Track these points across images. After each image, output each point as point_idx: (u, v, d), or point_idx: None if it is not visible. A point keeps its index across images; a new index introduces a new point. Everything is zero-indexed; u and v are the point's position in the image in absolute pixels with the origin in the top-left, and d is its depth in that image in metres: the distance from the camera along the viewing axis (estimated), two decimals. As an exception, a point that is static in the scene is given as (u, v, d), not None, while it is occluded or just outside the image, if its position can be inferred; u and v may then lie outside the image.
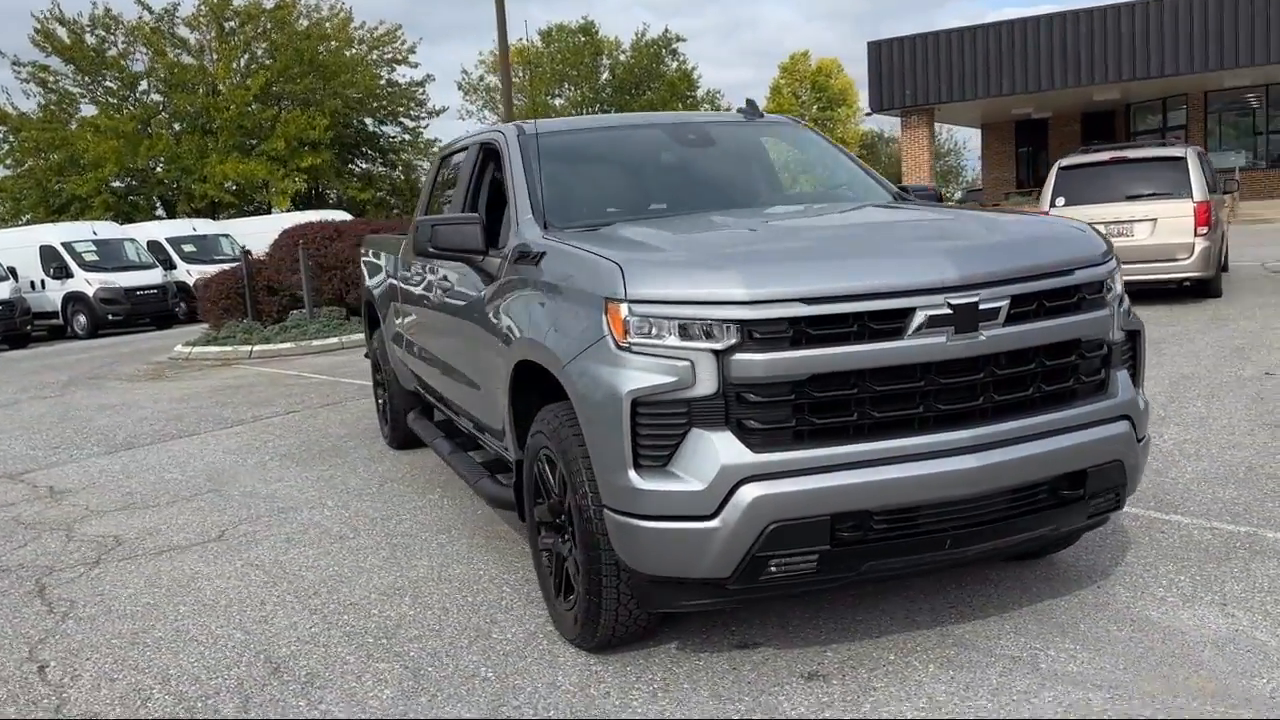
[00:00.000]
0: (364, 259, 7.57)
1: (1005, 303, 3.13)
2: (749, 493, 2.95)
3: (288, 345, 13.86)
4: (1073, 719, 2.97)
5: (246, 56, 35.54)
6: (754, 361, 2.95)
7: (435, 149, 39.69)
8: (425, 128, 40.55)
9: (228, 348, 14.09)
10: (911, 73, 27.68)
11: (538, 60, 48.76)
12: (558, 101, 48.24)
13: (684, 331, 3.01)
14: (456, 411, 5.08)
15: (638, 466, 3.05)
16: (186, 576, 4.78)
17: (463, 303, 4.54)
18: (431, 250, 4.23)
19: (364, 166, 40.22)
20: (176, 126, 36.18)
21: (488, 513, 5.41)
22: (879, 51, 28.15)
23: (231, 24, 35.32)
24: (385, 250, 6.68)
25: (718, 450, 2.97)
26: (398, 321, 6.13)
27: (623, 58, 48.87)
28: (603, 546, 3.27)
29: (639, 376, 3.03)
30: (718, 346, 2.97)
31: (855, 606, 3.82)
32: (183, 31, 36.03)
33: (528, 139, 4.60)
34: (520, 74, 49.73)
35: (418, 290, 5.44)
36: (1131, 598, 3.76)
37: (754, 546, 2.98)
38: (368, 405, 8.99)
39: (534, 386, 3.92)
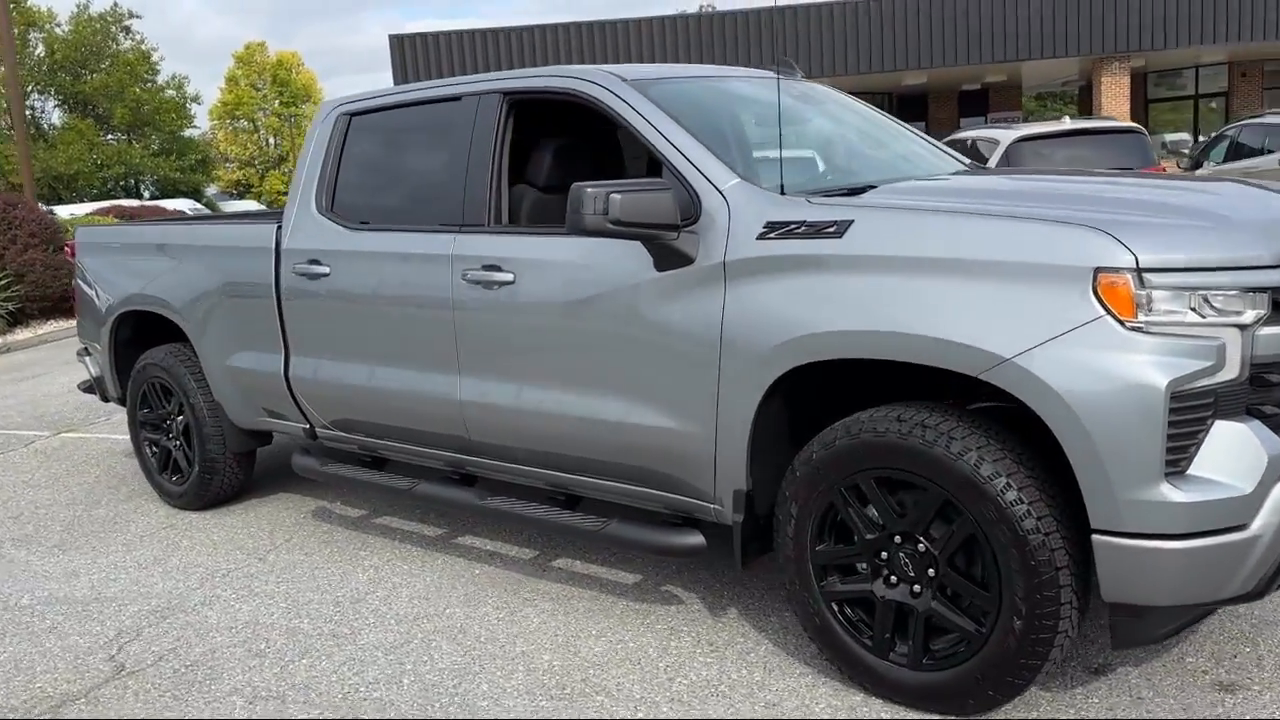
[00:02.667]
0: (114, 255, 5.51)
1: None
2: None
3: None
4: None
5: None
6: None
7: None
8: None
9: None
10: (436, 69, 27.19)
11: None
12: (-22, 80, 40.36)
13: (1205, 305, 2.51)
14: (523, 457, 3.81)
15: (1167, 474, 2.48)
16: (179, 738, 3.09)
17: (601, 300, 3.41)
18: (610, 226, 3.11)
19: None
20: None
21: (488, 569, 4.22)
22: (401, 46, 27.27)
23: None
24: (214, 238, 4.92)
25: (1258, 443, 2.52)
26: (291, 337, 4.53)
27: (60, 32, 42.19)
28: (1063, 582, 2.63)
29: (1171, 363, 2.46)
30: (1245, 320, 2.52)
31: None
32: None
33: (646, 86, 3.60)
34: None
35: (398, 291, 4.02)
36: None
37: None
38: (39, 459, 6.68)
39: (781, 398, 3.09)
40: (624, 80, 3.61)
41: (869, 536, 2.94)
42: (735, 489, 3.20)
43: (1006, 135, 11.36)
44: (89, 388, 5.97)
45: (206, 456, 5.12)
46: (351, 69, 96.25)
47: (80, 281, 5.78)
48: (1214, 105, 32.52)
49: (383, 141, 4.38)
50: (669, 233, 3.18)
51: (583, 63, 27.00)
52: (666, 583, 3.97)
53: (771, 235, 3.05)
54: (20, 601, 4.27)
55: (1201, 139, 23.03)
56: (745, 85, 4.17)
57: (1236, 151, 12.61)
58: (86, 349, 5.88)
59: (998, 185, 3.53)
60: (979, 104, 34.85)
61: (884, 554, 2.93)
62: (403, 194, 4.27)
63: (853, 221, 2.92)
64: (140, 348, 5.51)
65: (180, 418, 5.26)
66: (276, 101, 58.56)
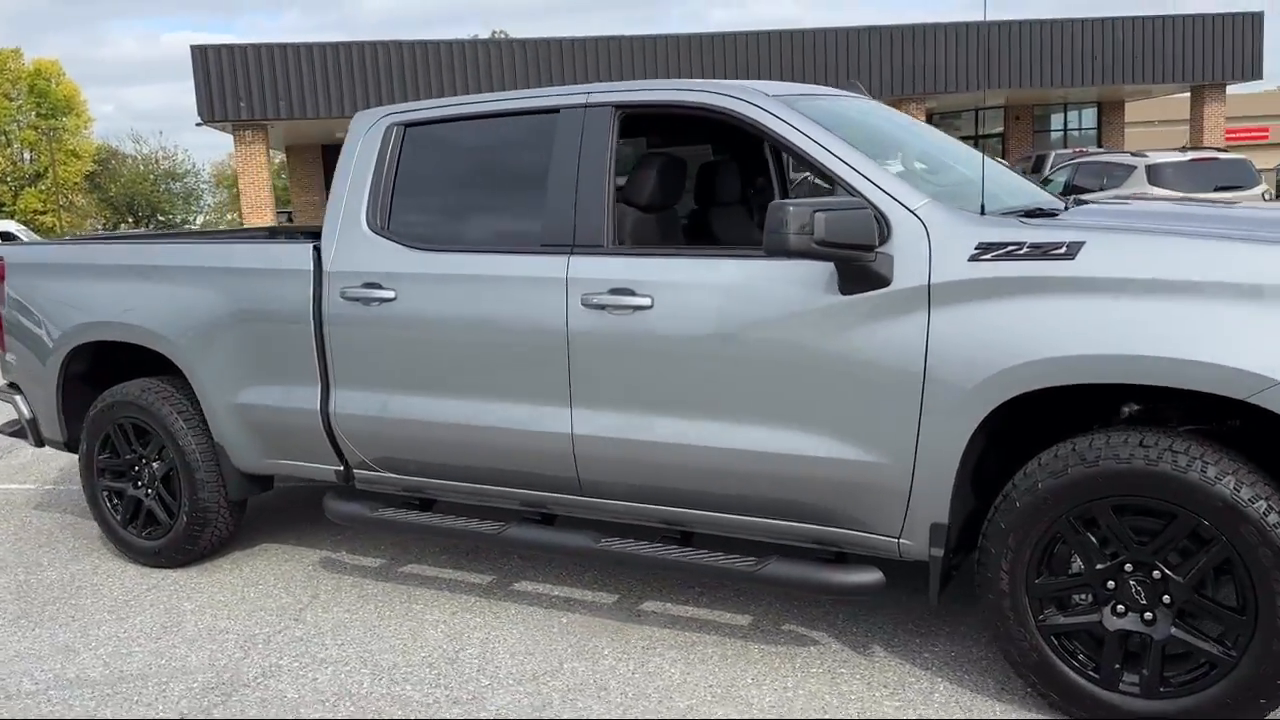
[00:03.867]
0: (68, 278, 4.77)
1: None
2: None
3: None
4: None
5: None
6: None
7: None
8: None
9: None
10: (245, 84, 25.67)
11: None
12: None
13: None
14: (643, 493, 3.54)
15: None
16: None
17: (766, 324, 3.21)
18: (815, 247, 2.93)
19: None
20: None
21: (575, 616, 3.90)
22: (205, 57, 25.55)
23: None
24: (225, 259, 4.34)
25: None
26: (336, 369, 4.04)
27: None
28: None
29: None
30: None
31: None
32: None
33: (793, 102, 3.44)
34: None
35: (493, 317, 3.65)
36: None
37: None
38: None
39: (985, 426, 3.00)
40: (771, 96, 3.45)
41: (1099, 566, 2.88)
42: (933, 522, 3.08)
43: None
44: (18, 431, 5.16)
45: (198, 506, 4.50)
46: (108, 80, 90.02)
47: (10, 309, 4.99)
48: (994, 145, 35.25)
49: (451, 156, 4.01)
50: (867, 254, 3.04)
51: (390, 82, 26.18)
52: (784, 621, 3.79)
53: (987, 256, 2.96)
54: (22, 687, 3.59)
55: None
56: (851, 104, 4.07)
57: (1070, 190, 13.63)
58: (16, 386, 5.09)
59: (1196, 211, 3.59)
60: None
61: (1112, 583, 2.89)
62: (484, 213, 3.92)
63: (1084, 243, 2.88)
64: (92, 385, 4.83)
65: (158, 463, 4.62)
66: (33, 113, 53.87)
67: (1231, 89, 32.02)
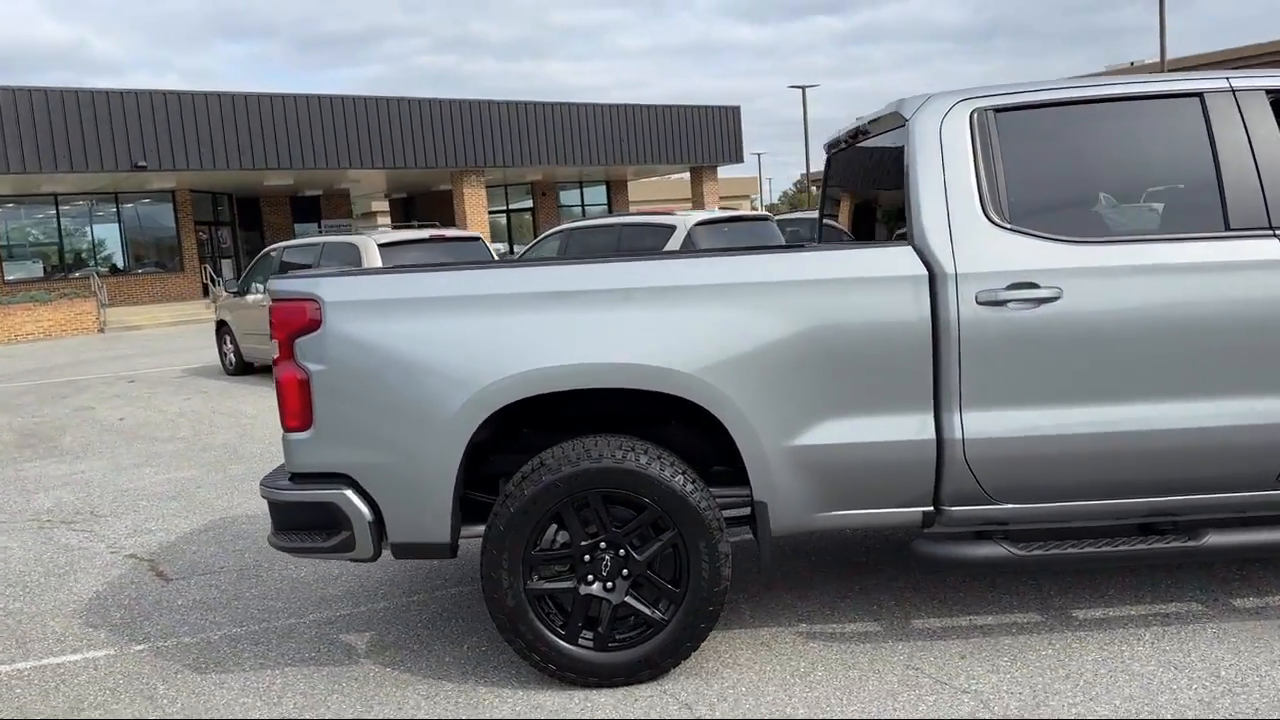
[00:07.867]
0: (470, 315, 3.43)
1: None
2: None
3: None
4: None
5: None
6: None
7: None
8: None
9: None
10: None
11: None
12: None
13: None
14: None
15: None
16: None
17: None
18: None
19: None
20: None
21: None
22: None
23: None
24: (773, 272, 3.44)
25: None
26: (970, 387, 3.43)
27: None
28: None
29: None
30: None
31: None
32: None
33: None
34: None
35: (1212, 307, 3.43)
36: None
37: None
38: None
39: None
40: None
41: None
42: None
43: (367, 241, 11.60)
44: (340, 544, 3.51)
45: (718, 587, 3.50)
46: None
47: (336, 367, 3.46)
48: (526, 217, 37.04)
49: (1068, 142, 3.65)
50: None
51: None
52: None
53: None
54: None
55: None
56: None
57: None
58: (345, 477, 3.51)
59: None
60: (311, 210, 34.85)
61: None
62: (1127, 200, 3.66)
63: None
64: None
65: (624, 547, 3.50)
66: None
67: (722, 170, 37.16)
